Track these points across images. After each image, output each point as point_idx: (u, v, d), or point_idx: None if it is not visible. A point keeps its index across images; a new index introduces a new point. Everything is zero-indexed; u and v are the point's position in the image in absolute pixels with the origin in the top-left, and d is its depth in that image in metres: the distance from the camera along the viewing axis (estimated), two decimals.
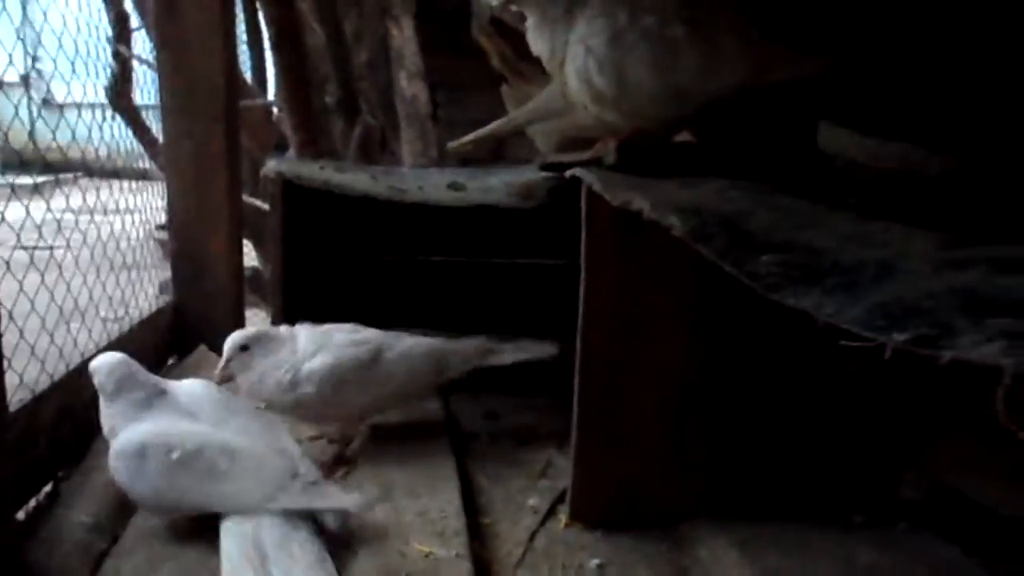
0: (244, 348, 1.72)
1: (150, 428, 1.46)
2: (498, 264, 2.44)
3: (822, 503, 1.68)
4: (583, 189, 1.52)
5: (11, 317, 1.43)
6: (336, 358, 1.77)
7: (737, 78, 1.35)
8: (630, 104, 1.42)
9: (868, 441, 1.72)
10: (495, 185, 2.21)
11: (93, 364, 1.52)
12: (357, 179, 2.09)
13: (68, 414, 1.72)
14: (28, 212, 2.08)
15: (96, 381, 1.51)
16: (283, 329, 1.83)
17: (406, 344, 1.91)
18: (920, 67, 1.40)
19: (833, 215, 1.13)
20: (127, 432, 1.46)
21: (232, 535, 1.40)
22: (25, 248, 2.11)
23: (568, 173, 1.56)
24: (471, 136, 2.10)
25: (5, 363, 1.36)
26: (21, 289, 1.77)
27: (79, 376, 1.77)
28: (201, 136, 2.29)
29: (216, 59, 2.26)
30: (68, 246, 2.27)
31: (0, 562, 1.29)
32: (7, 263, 1.78)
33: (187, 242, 2.41)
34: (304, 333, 1.81)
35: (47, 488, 1.66)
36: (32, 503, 1.58)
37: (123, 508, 1.58)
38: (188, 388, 1.58)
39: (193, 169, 2.32)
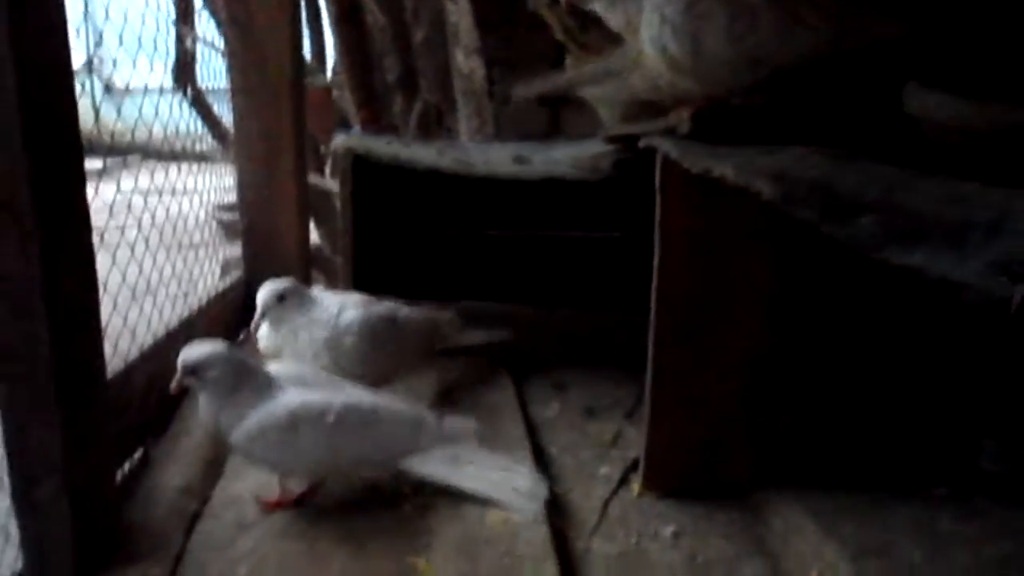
0: (281, 299, 1.77)
1: (291, 401, 1.47)
2: (561, 237, 2.44)
3: (900, 475, 1.66)
4: (658, 158, 1.52)
5: (105, 288, 1.47)
6: (367, 312, 1.84)
7: (815, 44, 1.33)
8: (706, 72, 1.40)
9: (947, 412, 1.69)
10: (560, 158, 2.21)
11: (202, 359, 1.46)
12: (424, 153, 2.11)
13: (154, 384, 1.78)
14: (97, 193, 2.15)
15: (211, 375, 1.46)
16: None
17: (408, 309, 1.98)
18: (1009, 26, 1.35)
19: (923, 178, 1.10)
20: (267, 409, 1.45)
21: (426, 466, 1.53)
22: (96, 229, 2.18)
23: (642, 143, 1.55)
24: (537, 86, 2.09)
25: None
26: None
27: (164, 348, 1.84)
28: (269, 115, 2.34)
29: (283, 38, 2.30)
30: (139, 227, 2.34)
31: (104, 521, 1.35)
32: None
33: (256, 219, 2.47)
34: (324, 294, 1.88)
35: (137, 454, 1.74)
36: (125, 468, 1.65)
37: (211, 472, 1.64)
38: (287, 370, 1.59)
39: (261, 147, 2.37)
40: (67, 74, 1.22)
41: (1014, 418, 1.67)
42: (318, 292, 1.90)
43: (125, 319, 1.73)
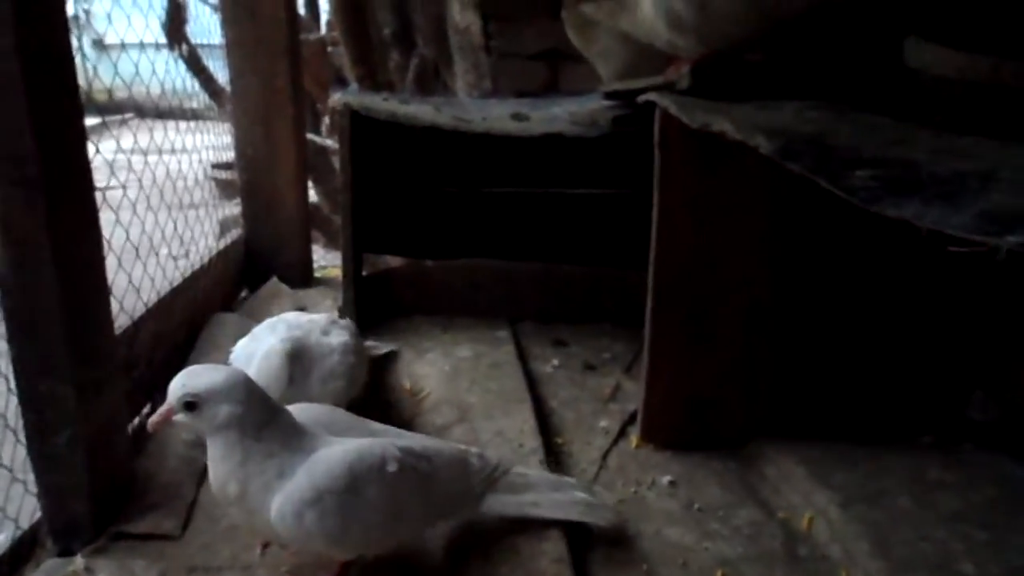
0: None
1: (342, 451, 1.13)
2: (561, 194, 2.45)
3: (889, 424, 1.71)
4: (657, 114, 1.52)
5: (110, 247, 1.47)
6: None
7: None
8: (710, 28, 1.40)
9: (936, 363, 1.73)
10: (558, 114, 2.21)
11: (213, 386, 1.09)
12: (422, 110, 2.11)
13: (161, 341, 1.81)
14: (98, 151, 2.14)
15: (227, 413, 1.08)
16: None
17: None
18: None
19: (920, 131, 1.12)
20: (315, 466, 1.10)
21: (491, 505, 1.33)
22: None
23: (641, 98, 1.56)
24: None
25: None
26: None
27: (170, 305, 1.86)
28: (266, 71, 2.33)
29: None
30: (141, 185, 2.33)
31: (118, 472, 1.38)
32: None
33: (255, 177, 2.47)
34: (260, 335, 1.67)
35: (145, 409, 1.77)
36: (135, 422, 1.68)
37: None
38: (301, 411, 1.23)
39: (259, 104, 2.36)
40: (63, 27, 1.22)
41: (1002, 369, 1.71)
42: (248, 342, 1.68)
43: (130, 277, 1.74)
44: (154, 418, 1.12)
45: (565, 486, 1.45)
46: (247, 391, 1.11)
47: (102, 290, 1.34)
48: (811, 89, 1.44)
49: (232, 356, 1.69)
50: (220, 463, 1.10)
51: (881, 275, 1.66)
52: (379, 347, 2.08)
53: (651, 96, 1.51)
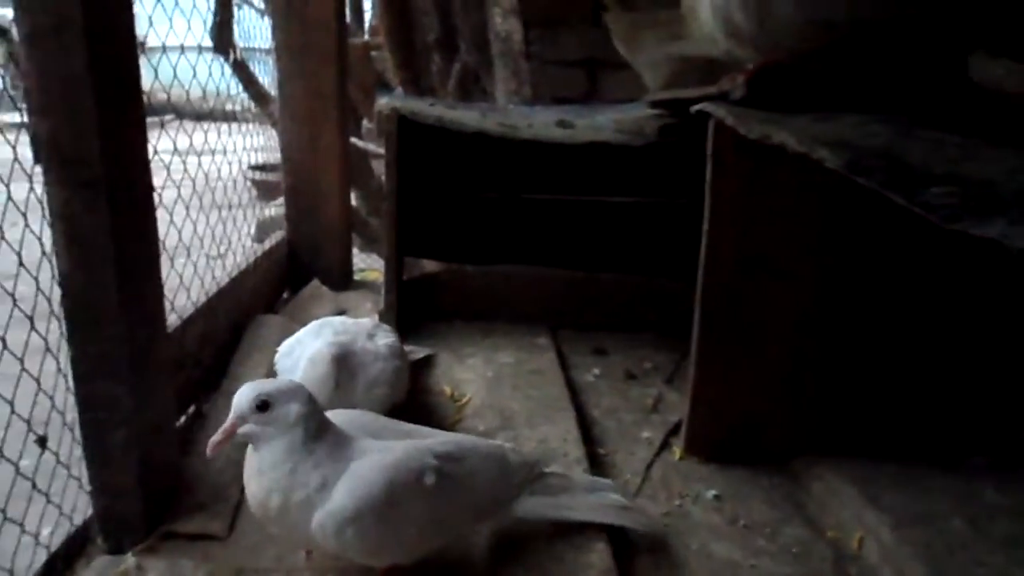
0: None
1: (380, 464, 1.13)
2: (599, 202, 2.44)
3: (942, 444, 1.67)
4: (710, 124, 1.51)
5: (164, 247, 1.49)
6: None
7: (884, 5, 1.30)
8: (768, 38, 1.39)
9: (992, 382, 1.69)
10: (603, 123, 2.20)
11: (283, 389, 1.13)
12: (468, 116, 2.11)
13: (208, 340, 1.83)
14: (156, 152, 2.16)
15: (294, 414, 1.11)
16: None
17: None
18: None
19: (988, 148, 1.09)
20: (355, 480, 1.11)
21: (525, 507, 1.33)
22: None
23: (695, 108, 1.54)
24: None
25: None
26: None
27: (215, 305, 1.88)
28: (313, 75, 2.35)
29: None
30: (178, 186, 2.35)
31: (168, 472, 1.40)
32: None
33: (299, 180, 2.49)
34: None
35: (191, 409, 1.78)
36: (181, 421, 1.70)
37: None
38: (335, 415, 1.23)
39: (305, 108, 2.39)
40: (131, 36, 1.24)
41: None
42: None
43: (180, 277, 1.76)
44: (215, 438, 1.12)
45: (600, 488, 1.45)
46: (310, 396, 1.15)
47: (157, 291, 1.36)
48: (870, 103, 1.42)
49: (277, 358, 1.70)
50: (269, 473, 1.10)
51: (936, 290, 1.62)
52: (416, 351, 2.08)
53: (706, 106, 1.49)
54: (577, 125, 2.17)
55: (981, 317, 1.67)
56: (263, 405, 1.11)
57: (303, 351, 1.62)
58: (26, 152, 1.25)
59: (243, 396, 1.12)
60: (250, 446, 1.15)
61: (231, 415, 1.13)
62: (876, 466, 1.60)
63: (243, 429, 1.12)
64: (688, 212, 1.71)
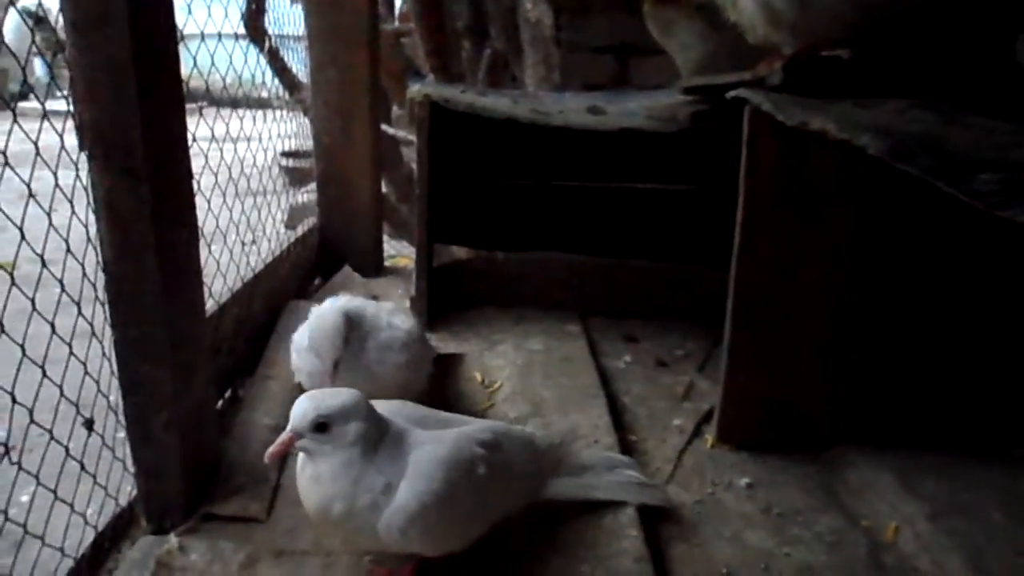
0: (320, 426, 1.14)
1: (437, 459, 1.14)
2: (630, 189, 2.43)
3: (980, 436, 1.64)
4: (746, 111, 1.49)
5: (202, 233, 1.50)
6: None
7: None
8: (810, 25, 1.37)
9: None
10: (634, 109, 2.19)
11: (344, 406, 1.11)
12: (499, 103, 2.11)
13: (243, 326, 1.85)
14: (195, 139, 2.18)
15: (355, 430, 1.10)
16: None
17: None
18: None
19: None
20: (418, 478, 1.11)
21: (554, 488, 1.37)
22: None
23: (731, 94, 1.53)
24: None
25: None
26: None
27: (251, 291, 1.90)
28: (345, 62, 2.36)
29: None
30: (215, 173, 2.38)
31: (208, 455, 1.42)
32: None
33: (331, 166, 2.50)
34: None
35: (227, 394, 1.81)
36: (219, 406, 1.73)
37: None
38: (388, 408, 1.23)
39: (338, 95, 2.40)
40: (172, 24, 1.25)
41: None
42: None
43: (218, 263, 1.79)
44: (273, 448, 1.11)
45: (618, 465, 1.48)
46: (369, 408, 1.13)
47: (197, 275, 1.38)
48: (911, 88, 1.39)
49: (295, 336, 1.64)
50: (330, 483, 1.10)
51: (977, 279, 1.60)
52: (443, 347, 2.05)
53: (742, 92, 1.48)
54: (608, 111, 2.16)
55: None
56: (322, 427, 1.09)
57: (317, 312, 1.56)
58: (71, 140, 1.27)
59: (302, 414, 1.10)
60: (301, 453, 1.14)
61: (289, 427, 1.11)
62: (913, 456, 1.58)
63: (300, 443, 1.10)
64: (720, 199, 1.70)
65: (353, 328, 1.51)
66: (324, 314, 1.52)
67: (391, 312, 1.68)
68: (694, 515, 1.48)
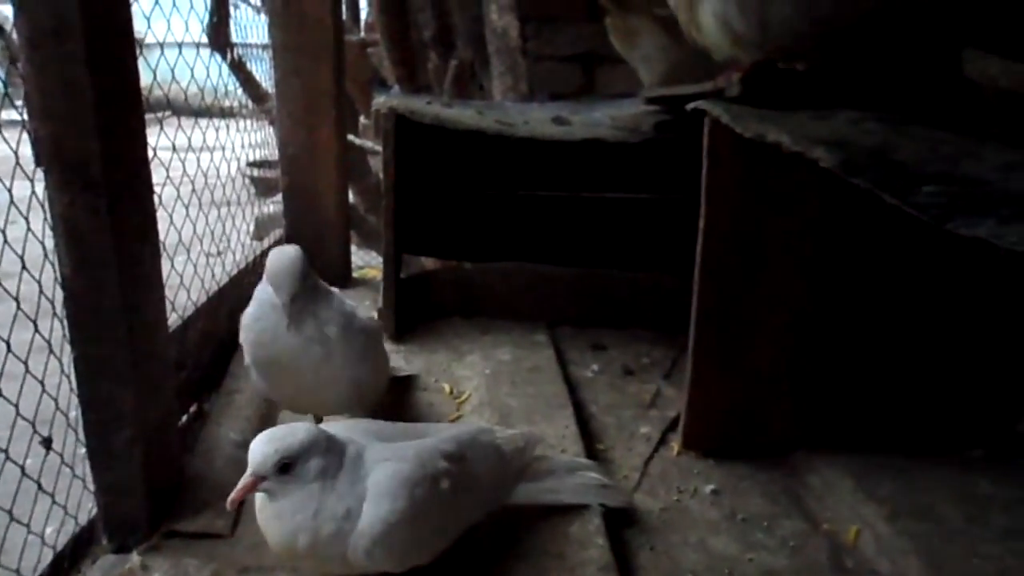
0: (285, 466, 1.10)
1: (399, 477, 1.13)
2: (597, 198, 2.45)
3: (938, 437, 1.68)
4: (706, 121, 1.52)
5: (164, 246, 1.49)
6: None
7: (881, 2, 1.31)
8: (772, 43, 1.40)
9: (987, 375, 1.71)
10: (599, 119, 2.21)
11: (303, 445, 1.08)
12: (465, 114, 2.11)
13: (208, 340, 1.84)
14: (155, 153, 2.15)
15: (314, 466, 1.09)
16: None
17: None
18: None
19: (982, 146, 1.11)
20: (380, 498, 1.11)
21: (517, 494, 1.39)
22: None
23: (691, 106, 1.55)
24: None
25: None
26: None
27: (216, 304, 1.89)
28: (309, 73, 2.35)
29: None
30: (177, 186, 2.35)
31: (171, 471, 1.41)
32: None
33: (296, 177, 2.49)
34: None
35: (192, 409, 1.79)
36: (183, 421, 1.71)
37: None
38: (337, 427, 1.23)
39: (302, 106, 2.39)
40: (130, 35, 1.25)
41: None
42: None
43: (181, 277, 1.77)
44: (234, 495, 1.08)
45: (579, 468, 1.50)
46: (327, 439, 1.12)
47: (158, 291, 1.37)
48: (865, 100, 1.43)
49: (243, 316, 1.55)
50: (291, 519, 1.08)
51: (932, 284, 1.64)
52: (399, 370, 1.99)
53: (702, 104, 1.50)
54: (573, 122, 2.18)
55: (977, 310, 1.68)
56: (284, 468, 1.07)
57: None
58: (26, 151, 1.25)
59: (263, 458, 1.07)
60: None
61: (249, 470, 1.08)
62: (873, 459, 1.61)
63: (263, 486, 1.08)
64: (684, 208, 1.72)
65: (309, 275, 1.47)
66: (283, 249, 1.47)
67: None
68: (660, 522, 1.49)
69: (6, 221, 1.20)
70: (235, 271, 2.10)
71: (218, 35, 3.15)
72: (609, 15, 2.42)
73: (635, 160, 2.28)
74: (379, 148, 3.38)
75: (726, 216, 1.57)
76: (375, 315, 2.25)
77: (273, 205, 3.65)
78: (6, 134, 1.28)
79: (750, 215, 1.57)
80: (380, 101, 2.11)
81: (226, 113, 3.31)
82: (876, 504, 1.48)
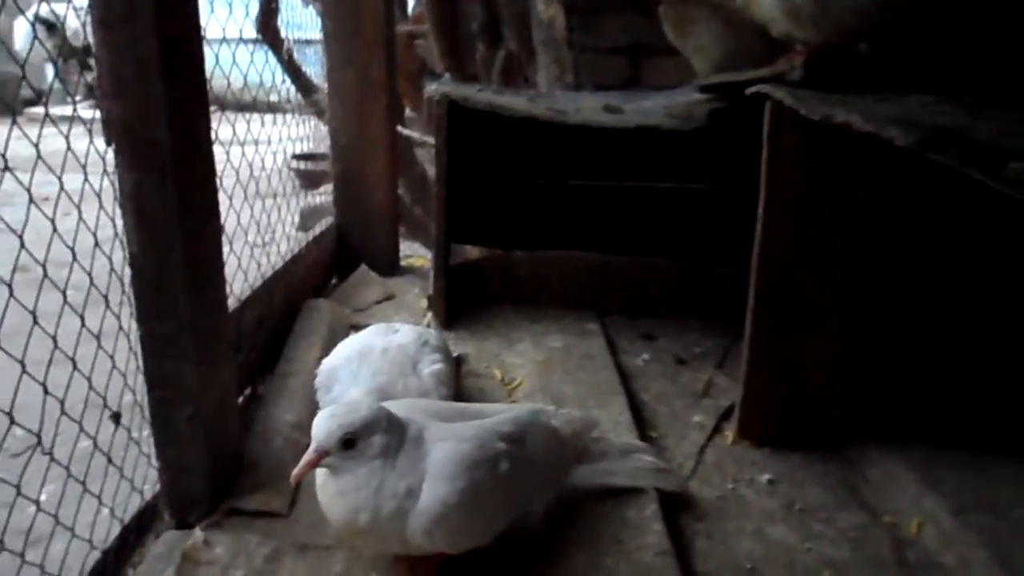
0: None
1: (458, 457, 1.14)
2: (647, 188, 2.43)
3: (1003, 433, 1.63)
4: (768, 107, 1.49)
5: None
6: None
7: None
8: (831, 19, 1.37)
9: None
10: (651, 108, 2.19)
11: (367, 420, 1.10)
12: (517, 101, 2.11)
13: (263, 324, 1.86)
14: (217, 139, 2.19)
15: (377, 442, 1.10)
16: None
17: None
18: None
19: None
20: (439, 478, 1.11)
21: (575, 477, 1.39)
22: None
23: (751, 90, 1.52)
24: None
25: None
26: None
27: (270, 289, 1.91)
28: (363, 63, 2.37)
29: None
30: (220, 177, 2.37)
31: (230, 450, 1.43)
32: None
33: (348, 166, 2.51)
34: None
35: (248, 391, 1.82)
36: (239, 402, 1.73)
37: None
38: (399, 406, 1.23)
39: (354, 95, 2.41)
40: (196, 21, 1.26)
41: None
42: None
43: (239, 261, 1.80)
44: (298, 469, 1.10)
45: (634, 450, 1.50)
46: (390, 418, 1.13)
47: (220, 271, 1.39)
48: (932, 83, 1.39)
49: (317, 382, 1.64)
50: (354, 495, 1.10)
51: (1001, 274, 1.59)
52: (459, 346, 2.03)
53: (764, 88, 1.48)
54: (625, 110, 2.16)
55: None
56: (348, 443, 1.09)
57: (341, 391, 1.57)
58: (78, 145, 1.28)
59: (326, 431, 1.09)
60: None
61: (312, 446, 1.10)
62: (935, 452, 1.57)
63: (327, 461, 1.10)
64: (737, 197, 1.70)
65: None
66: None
67: (417, 359, 1.63)
68: (716, 510, 1.48)
69: (79, 206, 1.22)
70: (281, 262, 2.11)
71: (266, 27, 3.19)
72: (663, 3, 2.39)
73: (686, 149, 2.26)
74: (426, 139, 3.40)
75: (786, 203, 1.54)
76: (424, 301, 2.27)
77: (317, 197, 3.70)
78: (63, 128, 1.30)
79: (810, 201, 1.54)
80: (432, 88, 2.11)
81: (272, 108, 3.35)
82: (940, 497, 1.44)
